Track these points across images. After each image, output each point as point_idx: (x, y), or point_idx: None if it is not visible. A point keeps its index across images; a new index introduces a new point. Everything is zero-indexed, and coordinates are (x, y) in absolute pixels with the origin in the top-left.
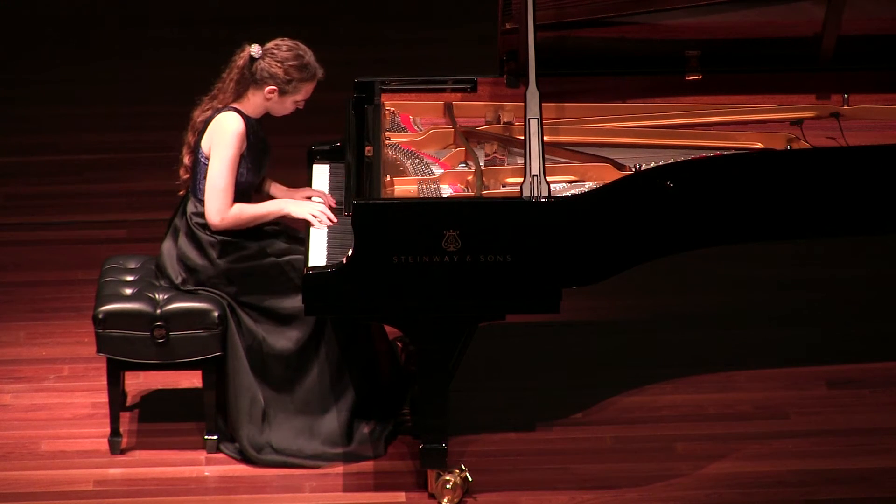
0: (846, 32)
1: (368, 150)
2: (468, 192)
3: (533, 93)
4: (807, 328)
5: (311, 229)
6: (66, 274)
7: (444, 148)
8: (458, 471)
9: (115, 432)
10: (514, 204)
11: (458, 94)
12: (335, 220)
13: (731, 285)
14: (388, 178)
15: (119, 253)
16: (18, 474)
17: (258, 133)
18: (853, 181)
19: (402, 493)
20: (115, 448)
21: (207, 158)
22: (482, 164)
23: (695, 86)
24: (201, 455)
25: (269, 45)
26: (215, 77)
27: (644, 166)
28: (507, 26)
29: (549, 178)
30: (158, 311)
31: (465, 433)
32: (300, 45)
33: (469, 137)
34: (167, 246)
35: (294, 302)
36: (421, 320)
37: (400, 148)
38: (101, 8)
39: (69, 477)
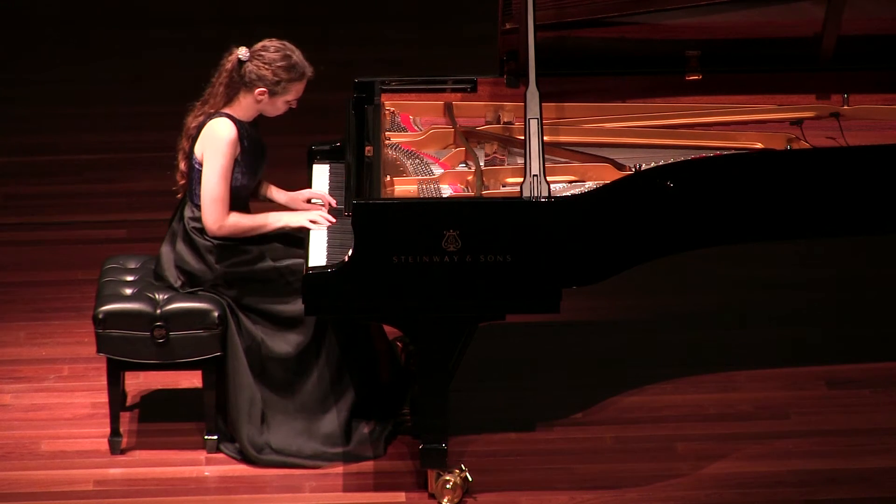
0: (846, 32)
1: (368, 150)
2: (468, 192)
3: (533, 93)
4: (807, 328)
5: (311, 230)
6: (66, 274)
7: (444, 148)
8: (458, 471)
9: (115, 432)
10: (514, 204)
11: (458, 94)
12: (333, 220)
13: (731, 285)
14: (388, 178)
15: (119, 253)
16: (18, 474)
17: (252, 136)
18: (853, 181)
19: (402, 493)
20: (115, 448)
21: (201, 164)
22: (482, 164)
23: (695, 86)
24: (201, 455)
25: (257, 46)
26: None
27: (644, 166)
28: (507, 26)
29: (549, 178)
30: (158, 311)
31: (465, 433)
32: (287, 44)
33: (469, 137)
34: (165, 250)
35: (294, 306)
36: (421, 320)
37: (400, 148)
38: (101, 8)
39: (69, 477)
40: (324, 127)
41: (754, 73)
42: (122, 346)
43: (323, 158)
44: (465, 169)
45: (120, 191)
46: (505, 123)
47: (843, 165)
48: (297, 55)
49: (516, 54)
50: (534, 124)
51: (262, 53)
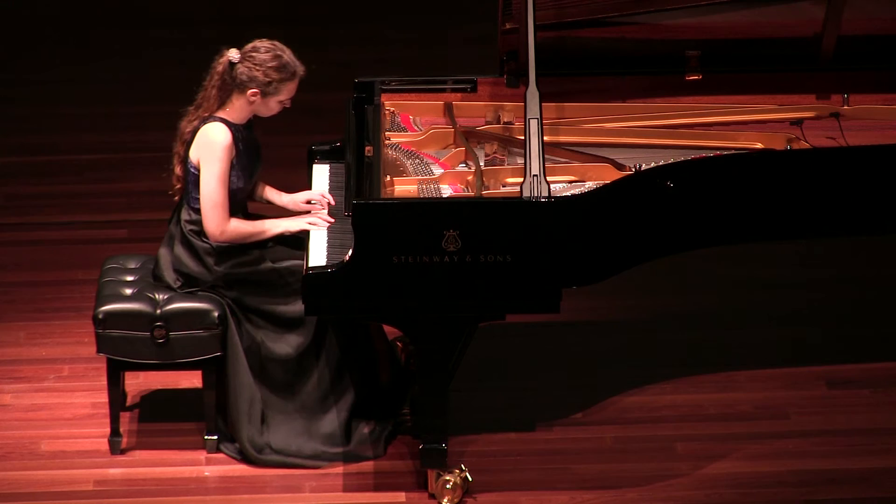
0: (846, 32)
1: (368, 150)
2: (468, 192)
3: (533, 93)
4: (807, 328)
5: (311, 230)
6: (66, 274)
7: (444, 148)
8: (458, 471)
9: (115, 432)
10: (514, 204)
11: (458, 94)
12: (332, 220)
13: (731, 285)
14: (388, 178)
15: (119, 253)
16: (18, 474)
17: (247, 138)
18: (853, 181)
19: (402, 493)
20: (115, 448)
21: (196, 168)
22: (482, 164)
23: (695, 86)
24: (201, 455)
25: (247, 47)
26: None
27: (644, 166)
28: (507, 26)
29: (549, 178)
30: (158, 311)
31: (465, 433)
32: (277, 44)
33: (469, 137)
34: (163, 253)
35: (294, 307)
36: (421, 320)
37: (400, 148)
38: (101, 8)
39: (69, 477)
40: (324, 127)
41: (754, 73)
42: (122, 346)
43: (323, 158)
44: (465, 169)
45: (120, 191)
46: (505, 123)
47: (843, 165)
48: (287, 55)
49: (516, 54)
50: (534, 124)
51: (253, 54)
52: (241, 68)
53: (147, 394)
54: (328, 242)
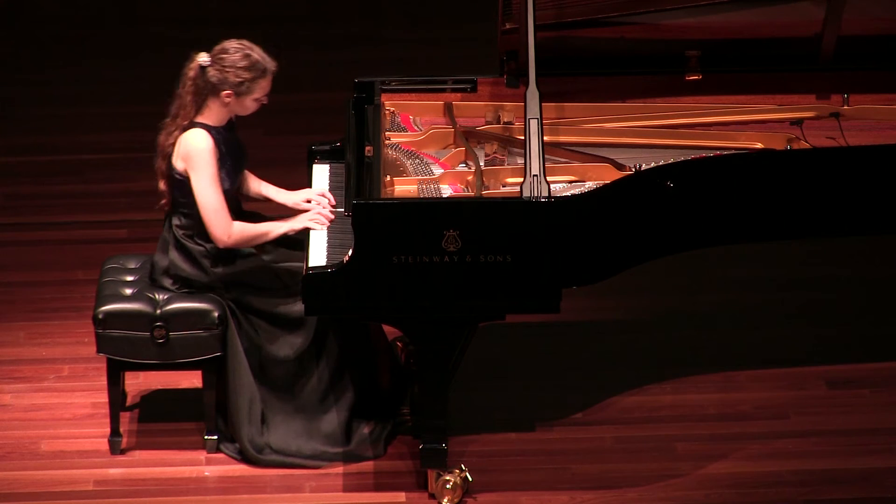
0: (846, 32)
1: (368, 150)
2: (468, 192)
3: (533, 93)
4: (807, 328)
5: (313, 228)
6: (66, 274)
7: (444, 148)
8: (458, 471)
9: (115, 432)
10: (514, 204)
11: (458, 94)
12: (332, 216)
13: (731, 285)
14: (388, 178)
15: (119, 253)
16: (18, 474)
17: (228, 140)
18: (853, 181)
19: (402, 493)
20: (115, 448)
21: (182, 175)
22: (482, 164)
23: (695, 86)
24: (201, 455)
25: (216, 49)
26: None
27: (644, 166)
28: (507, 26)
29: (549, 178)
30: (158, 311)
31: (465, 433)
32: (246, 43)
33: (469, 137)
34: (158, 259)
35: (293, 308)
36: (421, 320)
37: (400, 148)
38: (101, 8)
39: (69, 477)
40: (324, 127)
41: (754, 73)
42: (122, 346)
43: (323, 158)
44: (465, 169)
45: (120, 191)
46: (505, 123)
47: (843, 165)
48: (256, 52)
49: (516, 54)
50: (534, 124)
51: (222, 56)
52: (211, 71)
53: (147, 394)
54: (328, 242)
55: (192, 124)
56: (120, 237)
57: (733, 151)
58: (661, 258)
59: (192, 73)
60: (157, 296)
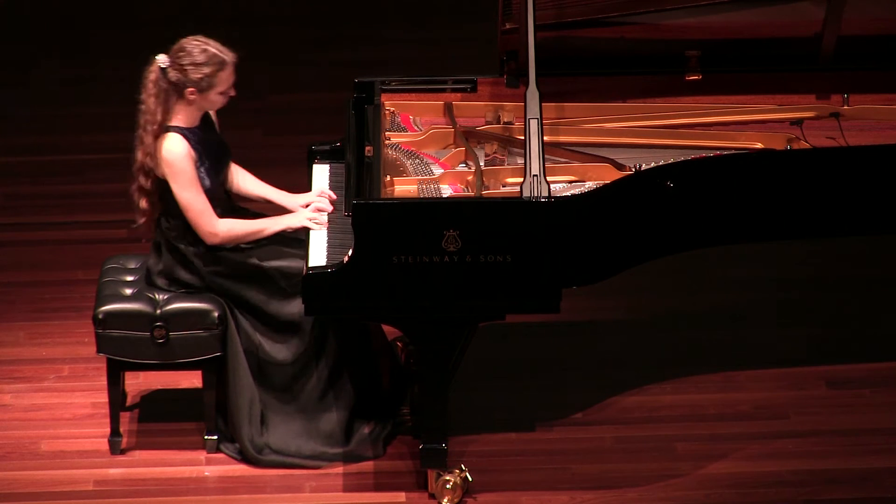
0: (846, 32)
1: (368, 150)
2: (468, 192)
3: (533, 93)
4: (807, 328)
5: (311, 231)
6: (66, 274)
7: (444, 148)
8: (458, 471)
9: (115, 432)
10: (514, 204)
11: (458, 94)
12: (330, 208)
13: (731, 285)
14: (388, 178)
15: (119, 253)
16: (18, 474)
17: (204, 139)
18: (853, 181)
19: (402, 493)
20: (115, 448)
21: (164, 177)
22: (482, 164)
23: (695, 86)
24: (201, 455)
25: (174, 49)
26: None
27: (644, 166)
28: (507, 26)
29: (549, 178)
30: (158, 311)
31: (465, 433)
32: (201, 38)
33: (469, 137)
34: (152, 262)
35: (288, 309)
36: (421, 320)
37: (400, 148)
38: (101, 8)
39: (69, 477)
40: (324, 127)
41: (754, 73)
42: (122, 346)
43: (323, 158)
44: (465, 169)
45: (120, 191)
46: (505, 123)
47: (843, 165)
48: (213, 46)
49: (516, 54)
50: (534, 124)
51: (180, 54)
52: (171, 72)
53: (147, 394)
54: (328, 242)
55: (166, 129)
56: (120, 237)
57: (733, 151)
58: (661, 258)
59: (153, 77)
60: (157, 296)
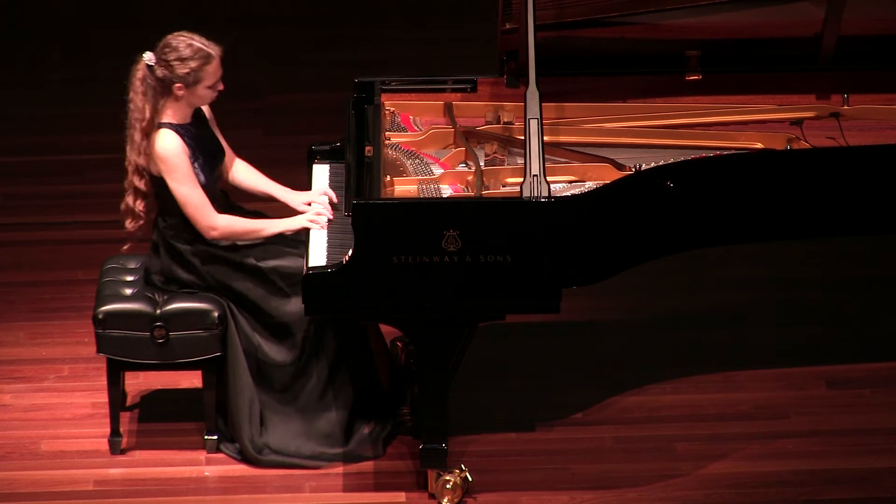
0: (846, 32)
1: (368, 150)
2: (468, 192)
3: (533, 93)
4: (807, 328)
5: (311, 231)
6: (66, 274)
7: (444, 148)
8: (458, 471)
9: (115, 432)
10: (514, 204)
11: (458, 94)
12: (331, 215)
13: (731, 285)
14: (388, 178)
15: (119, 253)
16: (18, 474)
17: (197, 135)
18: (853, 181)
19: (402, 493)
20: (115, 448)
21: (159, 175)
22: (482, 164)
23: (695, 86)
24: (201, 455)
25: (159, 46)
26: None
27: (644, 166)
28: (507, 26)
29: (549, 178)
30: (158, 311)
31: (465, 433)
32: (185, 34)
33: (469, 137)
34: (151, 262)
35: (288, 309)
36: (421, 320)
37: (400, 148)
38: (101, 8)
39: (69, 477)
40: (324, 127)
41: (754, 73)
42: (122, 346)
43: (323, 158)
44: (465, 169)
45: (120, 191)
46: (505, 123)
47: (843, 165)
48: (197, 40)
49: (516, 54)
50: (534, 124)
51: (165, 50)
52: (158, 69)
53: (147, 394)
54: (328, 242)
55: (158, 125)
56: (120, 237)
57: (733, 151)
58: (661, 258)
59: (140, 75)
60: (157, 296)
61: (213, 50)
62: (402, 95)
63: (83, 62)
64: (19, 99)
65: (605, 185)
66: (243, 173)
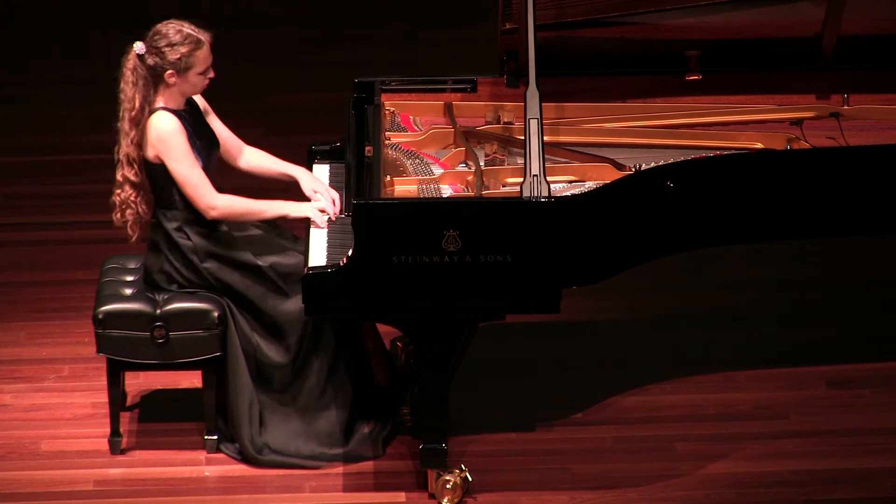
0: (846, 32)
1: (368, 150)
2: (468, 192)
3: (533, 93)
4: (807, 328)
5: (311, 229)
6: (66, 274)
7: (444, 148)
8: (458, 471)
9: (115, 432)
10: (514, 204)
11: (458, 94)
12: (337, 210)
13: (731, 285)
14: (388, 178)
15: (119, 253)
16: (18, 474)
17: (192, 121)
18: (853, 181)
19: (402, 493)
20: (115, 448)
21: (157, 161)
22: (482, 164)
23: (695, 86)
24: (201, 455)
25: (149, 35)
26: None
27: (644, 166)
28: (507, 26)
29: (549, 178)
30: (158, 311)
31: (465, 433)
32: (174, 21)
33: (469, 137)
34: (151, 261)
35: (286, 308)
36: (420, 320)
37: (400, 148)
38: (101, 8)
39: (69, 477)
40: (324, 127)
41: (754, 73)
42: (122, 346)
43: (323, 158)
44: (465, 169)
45: None
46: (505, 123)
47: (843, 165)
48: (187, 27)
49: (516, 54)
50: (534, 124)
51: (155, 38)
52: (148, 57)
53: (147, 394)
54: (328, 242)
55: (152, 110)
56: (120, 237)
57: (733, 151)
58: (661, 258)
59: (130, 65)
60: (157, 296)
61: (203, 36)
62: (402, 95)
63: (83, 62)
64: (19, 99)
65: (605, 185)
66: (256, 158)
